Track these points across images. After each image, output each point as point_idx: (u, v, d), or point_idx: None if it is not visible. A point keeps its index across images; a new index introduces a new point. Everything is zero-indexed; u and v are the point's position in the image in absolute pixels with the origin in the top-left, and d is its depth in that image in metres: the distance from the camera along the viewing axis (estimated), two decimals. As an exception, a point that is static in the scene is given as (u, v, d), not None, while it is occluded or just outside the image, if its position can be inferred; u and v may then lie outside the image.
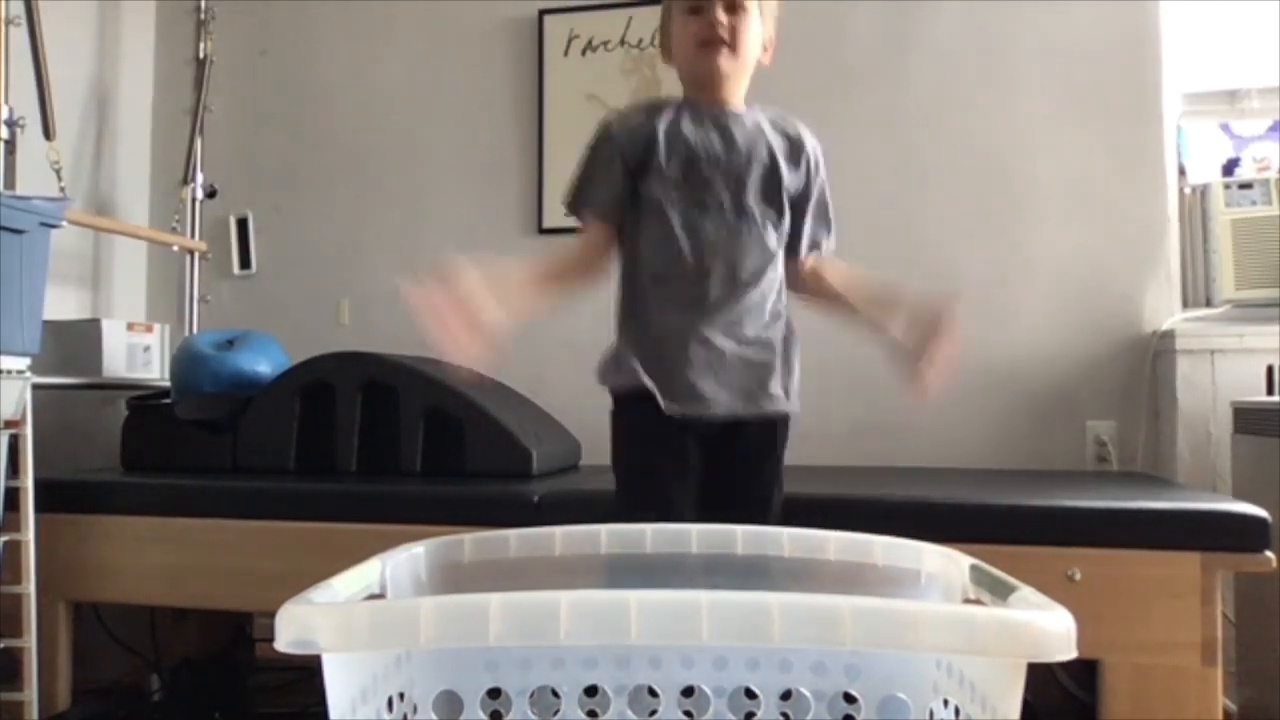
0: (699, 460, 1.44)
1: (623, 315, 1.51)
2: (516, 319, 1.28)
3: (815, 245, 1.57)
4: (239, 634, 2.57)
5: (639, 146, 1.46)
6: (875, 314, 1.52)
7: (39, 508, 1.91)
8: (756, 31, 1.45)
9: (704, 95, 1.48)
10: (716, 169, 1.45)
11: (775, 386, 1.49)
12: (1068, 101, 2.51)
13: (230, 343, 2.41)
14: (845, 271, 1.59)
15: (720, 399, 1.43)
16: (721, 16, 1.41)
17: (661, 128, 1.45)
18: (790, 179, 1.49)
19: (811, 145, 1.54)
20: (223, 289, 3.01)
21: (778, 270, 1.51)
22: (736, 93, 1.50)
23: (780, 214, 1.49)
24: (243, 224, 3.00)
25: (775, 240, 1.49)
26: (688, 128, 1.46)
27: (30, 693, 1.87)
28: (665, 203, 1.44)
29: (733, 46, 1.42)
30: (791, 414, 1.53)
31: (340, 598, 0.82)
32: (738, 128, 1.48)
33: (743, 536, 1.14)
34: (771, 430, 1.52)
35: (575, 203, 1.52)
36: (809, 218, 1.54)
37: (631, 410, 1.46)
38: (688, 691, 1.01)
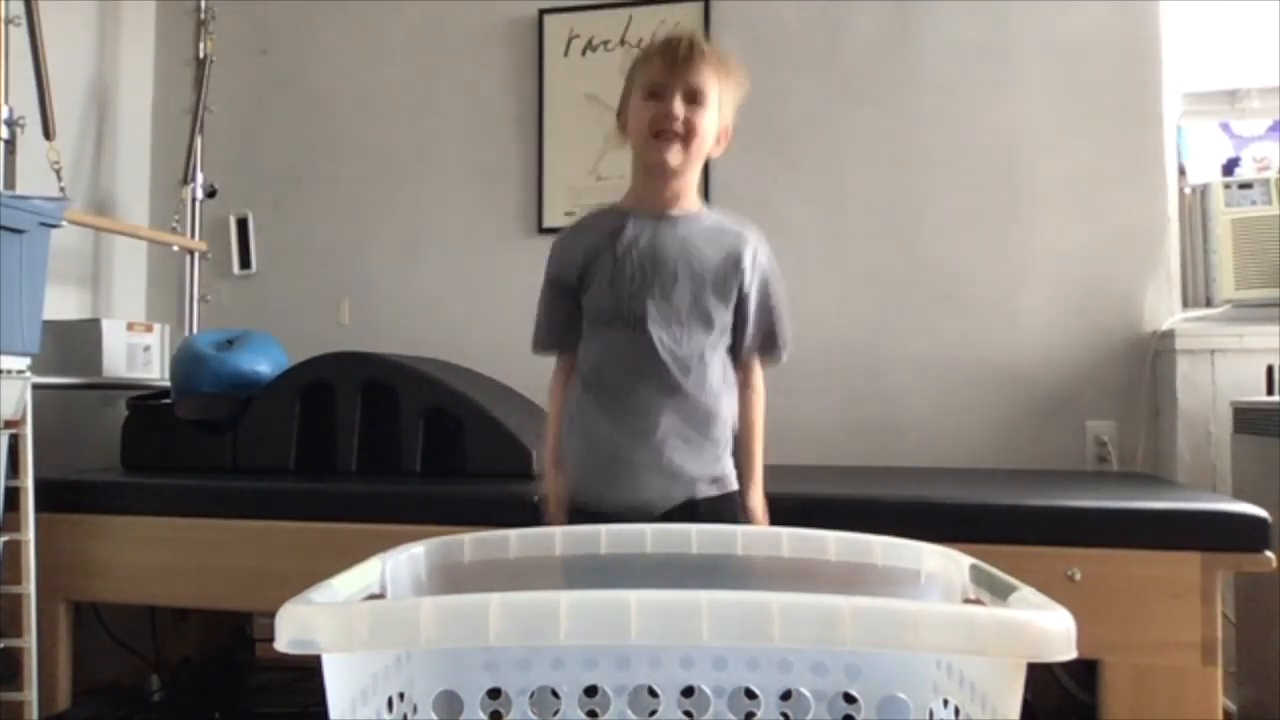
0: None
1: (569, 418, 1.52)
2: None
3: (752, 356, 1.52)
4: (239, 634, 2.57)
5: (574, 273, 1.47)
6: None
7: (39, 508, 1.91)
8: (713, 124, 1.43)
9: (649, 187, 1.46)
10: (643, 287, 1.43)
11: (702, 488, 1.46)
12: (1068, 101, 2.51)
13: (230, 343, 2.41)
14: (746, 417, 1.52)
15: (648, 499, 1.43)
16: (678, 109, 1.39)
17: (593, 248, 1.45)
18: (718, 295, 1.44)
19: (751, 257, 1.47)
20: (223, 289, 3.01)
21: (709, 378, 1.45)
22: (685, 184, 1.46)
23: (709, 327, 1.45)
24: (243, 224, 3.00)
25: (705, 352, 1.45)
26: (621, 243, 1.44)
27: (30, 693, 1.87)
28: (596, 319, 1.46)
29: (685, 140, 1.40)
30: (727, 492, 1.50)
31: (340, 598, 0.82)
32: (671, 242, 1.44)
33: (743, 536, 1.15)
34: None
35: (541, 346, 1.56)
36: (748, 329, 1.48)
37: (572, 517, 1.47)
38: (688, 691, 1.01)
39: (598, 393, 1.46)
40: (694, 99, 1.40)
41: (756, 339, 1.49)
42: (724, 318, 1.46)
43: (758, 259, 1.48)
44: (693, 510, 1.43)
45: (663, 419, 1.42)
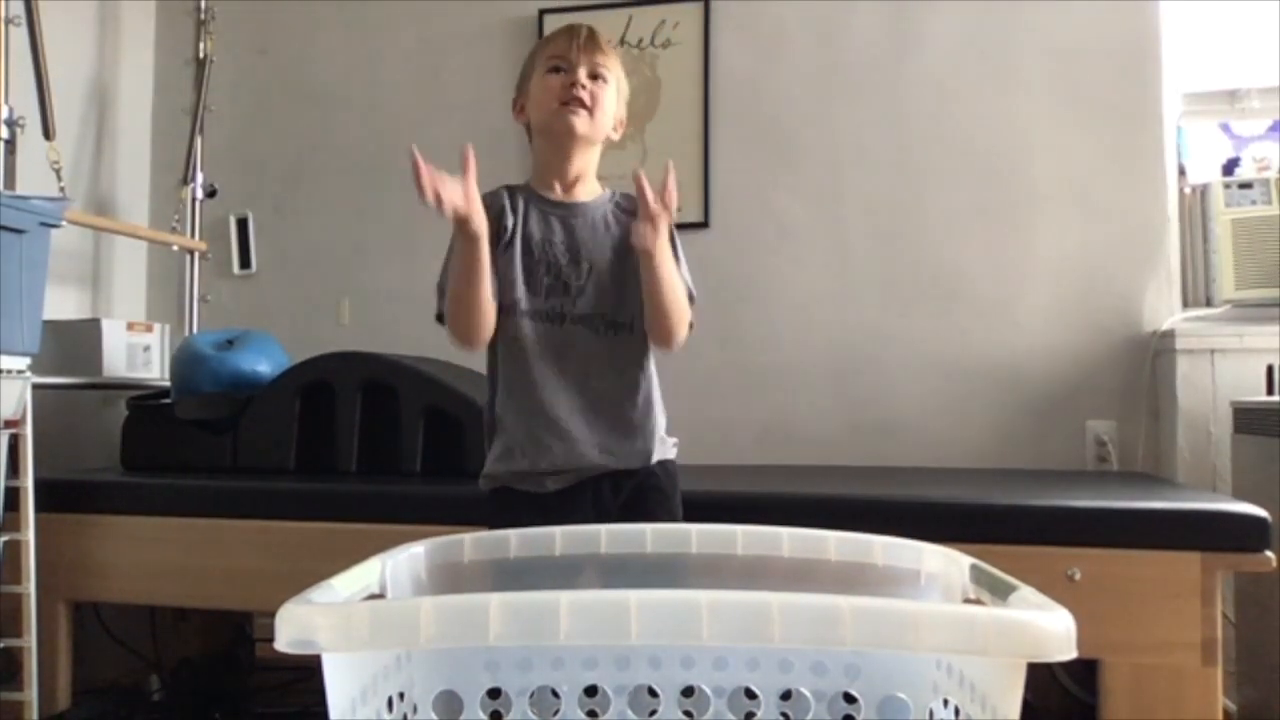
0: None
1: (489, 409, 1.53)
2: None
3: None
4: (239, 634, 2.57)
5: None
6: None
7: (39, 508, 1.91)
8: (613, 103, 1.48)
9: (554, 161, 1.49)
10: (559, 277, 1.46)
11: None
12: (1068, 101, 2.51)
13: (230, 343, 2.41)
14: None
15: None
16: (584, 78, 1.44)
17: (508, 224, 1.47)
18: (627, 276, 1.46)
19: None
20: (223, 289, 3.01)
21: (631, 369, 1.48)
22: (588, 161, 1.50)
23: (629, 308, 1.47)
24: (243, 224, 3.00)
25: (626, 340, 1.47)
26: (532, 227, 1.47)
27: (30, 693, 1.87)
28: (513, 310, 1.45)
29: (591, 110, 1.45)
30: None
31: (340, 598, 0.82)
32: (583, 227, 1.48)
33: (743, 536, 1.15)
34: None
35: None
36: None
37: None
38: (688, 691, 1.01)
39: (519, 393, 1.46)
40: (597, 75, 1.46)
41: None
42: (636, 296, 1.45)
43: None
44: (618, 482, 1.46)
45: (581, 416, 1.44)
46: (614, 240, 1.48)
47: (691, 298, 1.49)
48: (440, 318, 1.47)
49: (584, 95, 1.43)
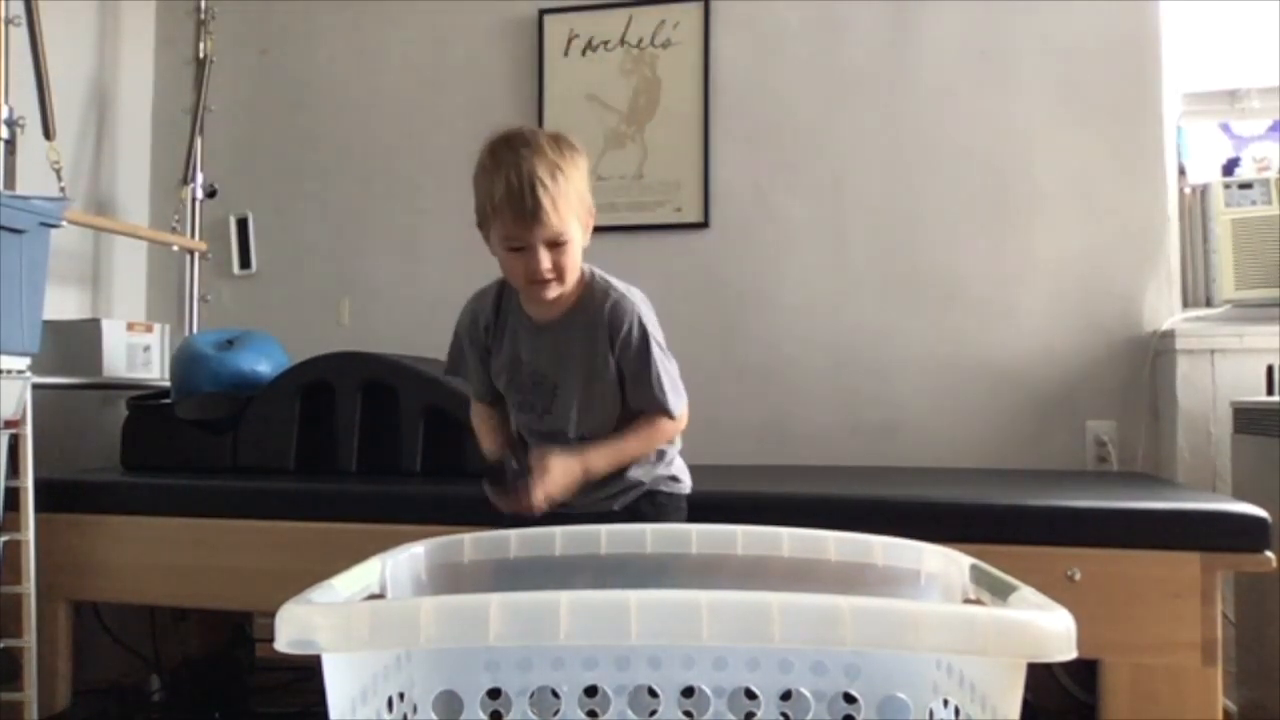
0: None
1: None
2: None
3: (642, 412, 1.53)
4: (239, 634, 2.57)
5: (480, 348, 1.57)
6: None
7: (39, 508, 1.91)
8: (579, 246, 1.45)
9: (532, 303, 1.51)
10: (533, 381, 1.53)
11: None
12: (1068, 101, 2.51)
13: (230, 343, 2.40)
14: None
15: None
16: (544, 261, 1.40)
17: (491, 333, 1.55)
18: (603, 372, 1.49)
19: (619, 324, 1.48)
20: (223, 289, 3.01)
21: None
22: (564, 298, 1.49)
23: (604, 415, 1.52)
24: (243, 224, 3.00)
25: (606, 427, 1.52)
26: (505, 344, 1.54)
27: (30, 693, 1.87)
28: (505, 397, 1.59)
29: (560, 278, 1.43)
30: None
31: (340, 598, 0.82)
32: (551, 347, 1.51)
33: (743, 536, 1.15)
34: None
35: (472, 388, 1.65)
36: (633, 392, 1.51)
37: None
38: (688, 691, 1.01)
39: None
40: (556, 242, 1.40)
41: (644, 396, 1.51)
42: (614, 395, 1.51)
43: (622, 334, 1.48)
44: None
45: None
46: (576, 355, 1.49)
47: (670, 414, 1.51)
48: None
49: (549, 275, 1.41)
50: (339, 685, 0.75)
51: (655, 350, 1.49)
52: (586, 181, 1.46)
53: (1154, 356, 2.41)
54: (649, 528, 1.17)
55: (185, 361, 2.36)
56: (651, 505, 1.54)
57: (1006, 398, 2.49)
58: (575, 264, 1.45)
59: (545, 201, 1.36)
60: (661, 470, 1.56)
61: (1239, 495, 1.95)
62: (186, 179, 2.90)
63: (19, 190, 2.25)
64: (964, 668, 0.82)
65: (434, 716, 0.88)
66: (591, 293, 1.50)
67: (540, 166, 1.37)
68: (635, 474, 1.53)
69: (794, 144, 2.66)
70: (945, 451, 2.48)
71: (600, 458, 1.48)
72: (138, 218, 2.98)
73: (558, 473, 1.43)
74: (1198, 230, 2.50)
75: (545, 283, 1.42)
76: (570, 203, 1.40)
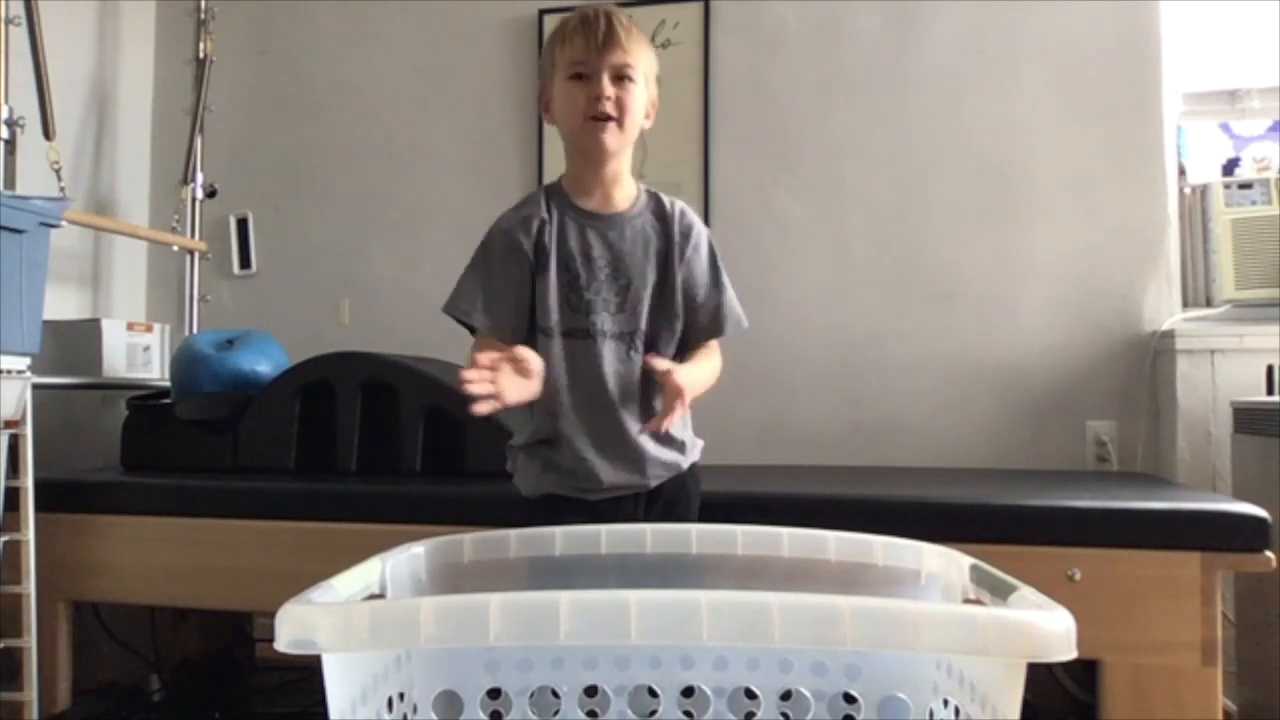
0: None
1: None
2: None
3: (709, 336, 1.48)
4: (239, 634, 2.57)
5: (525, 255, 1.42)
6: None
7: (39, 508, 1.91)
8: (643, 100, 1.40)
9: (587, 170, 1.43)
10: (610, 272, 1.42)
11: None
12: (1068, 101, 2.51)
13: (230, 343, 2.41)
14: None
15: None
16: (608, 89, 1.35)
17: (547, 231, 1.42)
18: (679, 277, 1.44)
19: (686, 224, 1.46)
20: (223, 289, 3.01)
21: (646, 394, 1.44)
22: (621, 164, 1.44)
23: (672, 321, 1.45)
24: (243, 224, 3.00)
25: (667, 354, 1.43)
26: (571, 245, 1.41)
27: (30, 693, 1.86)
28: (547, 332, 1.41)
29: (620, 121, 1.36)
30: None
31: (340, 598, 0.82)
32: (620, 240, 1.42)
33: (743, 536, 1.15)
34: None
35: (479, 316, 1.46)
36: (704, 299, 1.46)
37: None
38: (688, 691, 1.01)
39: (548, 417, 1.42)
40: (622, 77, 1.36)
41: (706, 313, 1.46)
42: (675, 311, 1.44)
43: (694, 237, 1.46)
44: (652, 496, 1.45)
45: (605, 449, 1.41)
46: (652, 255, 1.43)
47: (741, 327, 1.48)
48: (455, 318, 1.48)
49: (609, 108, 1.35)
50: (339, 685, 0.75)
51: (719, 259, 1.46)
52: (656, 70, 1.43)
53: (1154, 356, 2.41)
54: (649, 528, 1.17)
55: (185, 361, 2.36)
56: (693, 478, 1.50)
57: (1006, 398, 2.49)
58: (636, 114, 1.38)
59: (618, 27, 1.35)
60: (696, 454, 1.51)
61: (1239, 495, 1.95)
62: (186, 179, 2.90)
63: (19, 190, 2.25)
64: (964, 668, 0.82)
65: (434, 716, 0.88)
66: (655, 195, 1.47)
67: (617, 12, 1.37)
68: (673, 457, 1.45)
69: (794, 144, 2.66)
70: (945, 451, 2.48)
71: (694, 377, 1.37)
72: (138, 218, 2.98)
73: (683, 378, 1.32)
74: (1198, 230, 2.50)
75: (605, 119, 1.35)
76: (641, 49, 1.38)
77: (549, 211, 1.43)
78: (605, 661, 1.00)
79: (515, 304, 1.42)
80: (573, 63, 1.36)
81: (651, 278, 1.43)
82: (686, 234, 1.45)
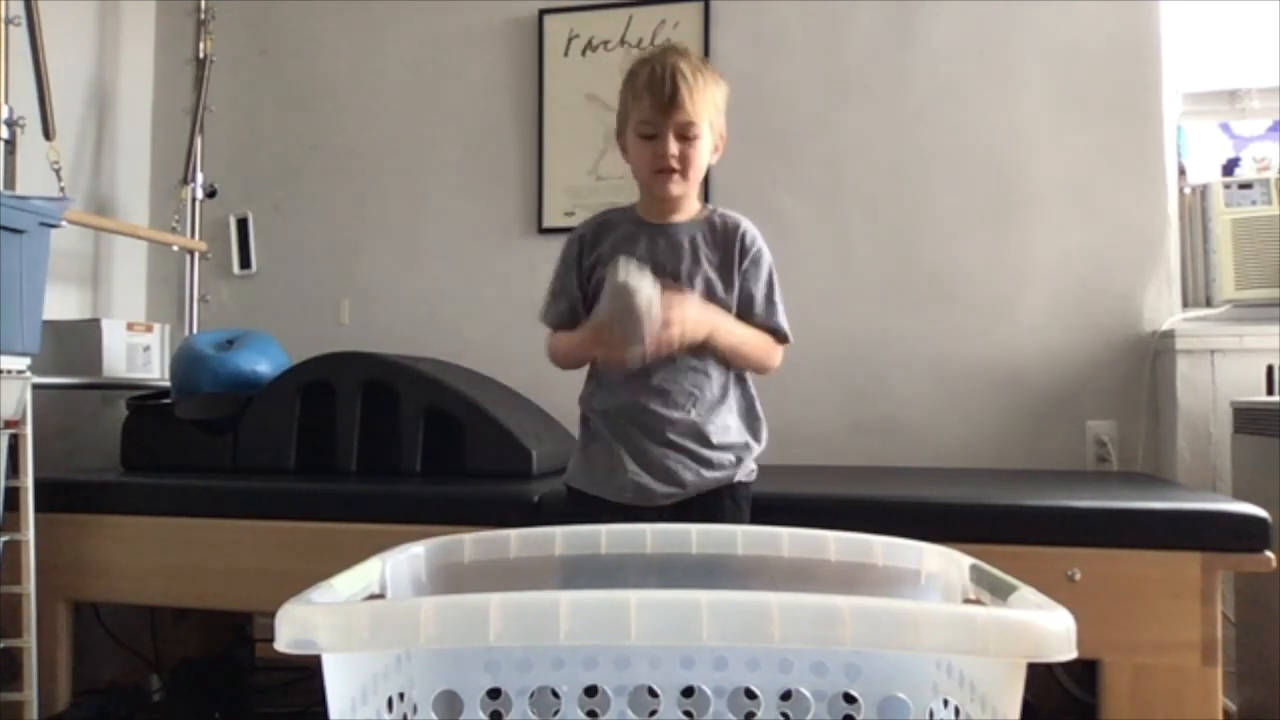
0: None
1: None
2: None
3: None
4: (239, 634, 2.57)
5: (581, 264, 1.57)
6: None
7: (39, 508, 1.91)
8: (707, 149, 1.52)
9: (656, 206, 1.56)
10: (651, 270, 1.47)
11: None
12: (1068, 101, 2.50)
13: (230, 343, 2.41)
14: None
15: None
16: (674, 148, 1.47)
17: (592, 251, 1.56)
18: (724, 292, 1.53)
19: (747, 241, 1.56)
20: (223, 289, 3.01)
21: (712, 390, 1.53)
22: (687, 206, 1.57)
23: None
24: (243, 224, 3.00)
25: (706, 361, 1.52)
26: (621, 247, 1.52)
27: (30, 693, 1.86)
28: None
29: (684, 174, 1.49)
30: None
31: (340, 598, 0.82)
32: (666, 247, 1.53)
33: (743, 536, 1.15)
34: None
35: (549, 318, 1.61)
36: (754, 309, 1.55)
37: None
38: (688, 691, 1.01)
39: (603, 415, 1.54)
40: (686, 134, 1.48)
41: (765, 320, 1.55)
42: (728, 308, 1.53)
43: (752, 241, 1.56)
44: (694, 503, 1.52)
45: (655, 455, 1.50)
46: (703, 260, 1.52)
47: (782, 337, 1.56)
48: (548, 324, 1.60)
49: (674, 164, 1.47)
50: (339, 685, 0.75)
51: (775, 277, 1.56)
52: (724, 104, 1.54)
53: (1154, 356, 2.41)
54: (649, 528, 1.17)
55: (185, 361, 2.36)
56: (732, 499, 1.55)
57: (1006, 398, 2.49)
58: (700, 164, 1.51)
59: (683, 88, 1.45)
60: (747, 469, 1.57)
61: (1239, 495, 1.95)
62: (186, 179, 2.90)
63: (19, 190, 2.25)
64: (964, 668, 0.82)
65: (434, 716, 0.88)
66: (716, 211, 1.58)
67: (683, 63, 1.48)
68: (726, 458, 1.52)
69: (794, 143, 2.66)
70: (945, 451, 2.48)
71: (728, 327, 1.49)
72: (138, 218, 2.98)
73: (692, 309, 1.44)
74: (1198, 230, 2.50)
75: (670, 172, 1.48)
76: (705, 101, 1.48)
77: (608, 223, 1.58)
78: (605, 661, 1.00)
79: (577, 301, 1.57)
80: (641, 122, 1.49)
81: (700, 282, 1.51)
82: (746, 250, 1.55)
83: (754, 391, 1.60)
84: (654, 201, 1.55)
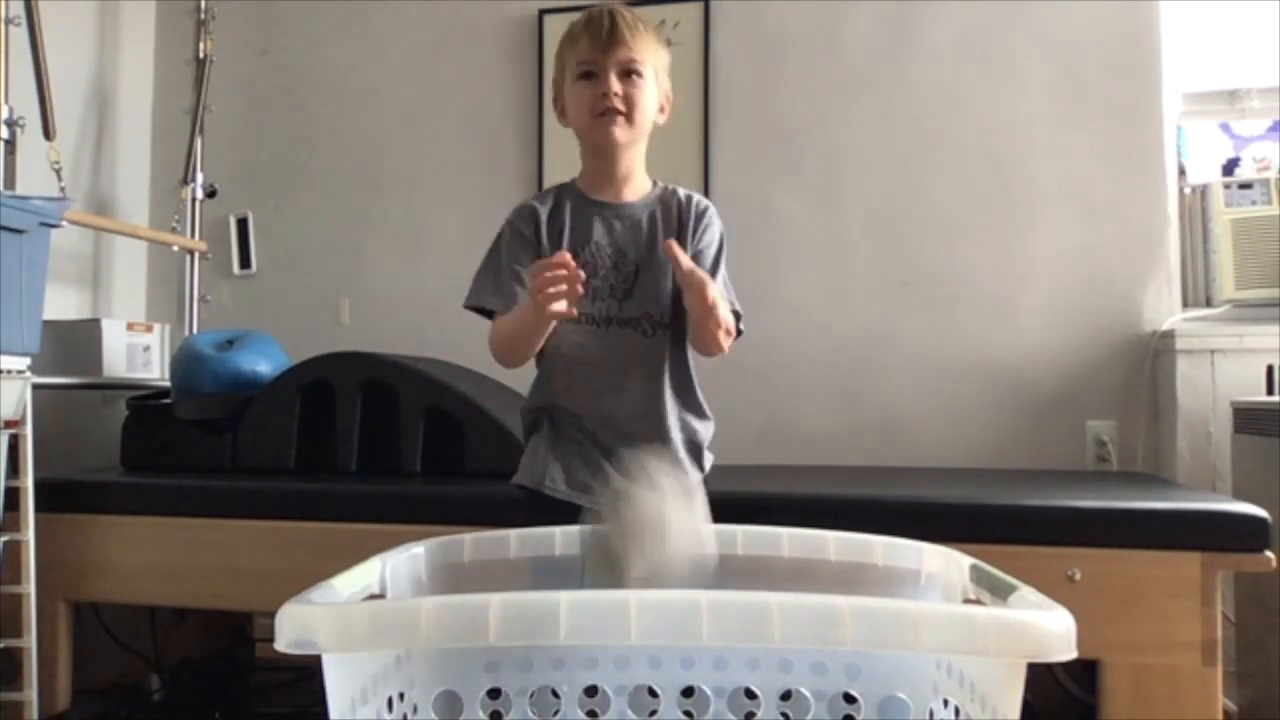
0: None
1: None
2: None
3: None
4: (239, 634, 2.57)
5: (534, 243, 1.44)
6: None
7: (39, 508, 1.91)
8: (652, 95, 1.41)
9: (600, 166, 1.45)
10: (613, 260, 1.42)
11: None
12: (1068, 101, 2.50)
13: (230, 343, 2.41)
14: None
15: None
16: (616, 85, 1.37)
17: (548, 235, 1.43)
18: (689, 253, 1.41)
19: (706, 219, 1.47)
20: (223, 289, 3.01)
21: (666, 376, 1.44)
22: (633, 160, 1.46)
23: (673, 309, 1.43)
24: (243, 224, 3.00)
25: (665, 344, 1.43)
26: (579, 233, 1.43)
27: (30, 693, 1.86)
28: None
29: (629, 116, 1.38)
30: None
31: (340, 598, 0.82)
32: (624, 229, 1.44)
33: (742, 536, 1.15)
34: None
35: (494, 301, 1.45)
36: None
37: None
38: (688, 691, 1.01)
39: (560, 412, 1.45)
40: (629, 74, 1.38)
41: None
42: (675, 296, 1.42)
43: (705, 222, 1.46)
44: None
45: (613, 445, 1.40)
46: (656, 239, 1.43)
47: (738, 315, 1.45)
48: (474, 309, 1.47)
49: (617, 103, 1.37)
50: (339, 685, 0.75)
51: (724, 256, 1.46)
52: (667, 66, 1.44)
53: (1154, 356, 2.41)
54: (649, 528, 1.17)
55: (185, 361, 2.37)
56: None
57: (1006, 398, 2.49)
58: (646, 109, 1.40)
59: (623, 25, 1.37)
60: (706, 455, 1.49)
61: (1239, 495, 1.95)
62: (186, 179, 2.90)
63: (19, 190, 2.25)
64: (964, 668, 0.82)
65: (434, 716, 0.88)
66: (667, 188, 1.48)
67: (624, 10, 1.39)
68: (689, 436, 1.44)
69: (794, 144, 2.66)
70: (945, 451, 2.48)
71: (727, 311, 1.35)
72: (138, 218, 2.98)
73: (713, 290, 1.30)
74: (1198, 230, 2.50)
75: (613, 113, 1.37)
76: (648, 45, 1.39)
77: (559, 203, 1.46)
78: (605, 661, 1.00)
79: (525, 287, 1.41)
80: (580, 62, 1.39)
81: (653, 262, 1.42)
82: (700, 216, 1.46)
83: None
84: (600, 163, 1.44)
